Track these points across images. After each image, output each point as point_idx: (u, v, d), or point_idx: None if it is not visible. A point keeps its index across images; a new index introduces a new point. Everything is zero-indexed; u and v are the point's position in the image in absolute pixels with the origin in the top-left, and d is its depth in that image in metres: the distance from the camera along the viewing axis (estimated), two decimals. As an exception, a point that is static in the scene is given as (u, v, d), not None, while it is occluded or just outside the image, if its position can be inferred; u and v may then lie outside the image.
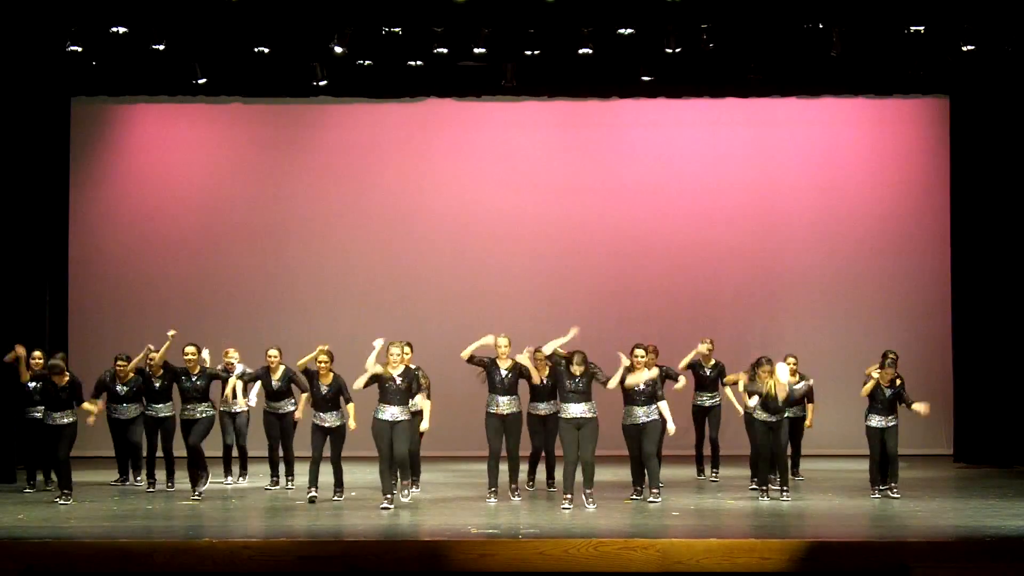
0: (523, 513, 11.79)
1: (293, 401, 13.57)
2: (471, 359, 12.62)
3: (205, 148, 17.81)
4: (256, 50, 14.85)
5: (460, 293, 17.45)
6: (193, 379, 12.97)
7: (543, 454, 13.48)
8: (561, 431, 12.24)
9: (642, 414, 12.48)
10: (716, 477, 14.25)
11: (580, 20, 14.57)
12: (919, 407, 12.70)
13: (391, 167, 17.67)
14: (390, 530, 10.90)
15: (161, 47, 14.56)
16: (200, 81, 15.76)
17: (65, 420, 12.67)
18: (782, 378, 12.63)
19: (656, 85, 16.24)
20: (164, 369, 13.14)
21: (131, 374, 13.55)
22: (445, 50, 14.97)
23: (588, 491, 12.05)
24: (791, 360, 13.40)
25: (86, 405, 12.89)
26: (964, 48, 14.56)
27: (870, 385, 12.74)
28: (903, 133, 17.78)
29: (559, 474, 13.24)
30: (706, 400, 14.27)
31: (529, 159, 17.73)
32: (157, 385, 13.24)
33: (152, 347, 13.17)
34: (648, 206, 17.65)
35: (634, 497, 12.58)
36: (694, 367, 14.14)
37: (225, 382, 13.59)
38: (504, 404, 12.78)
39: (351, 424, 12.53)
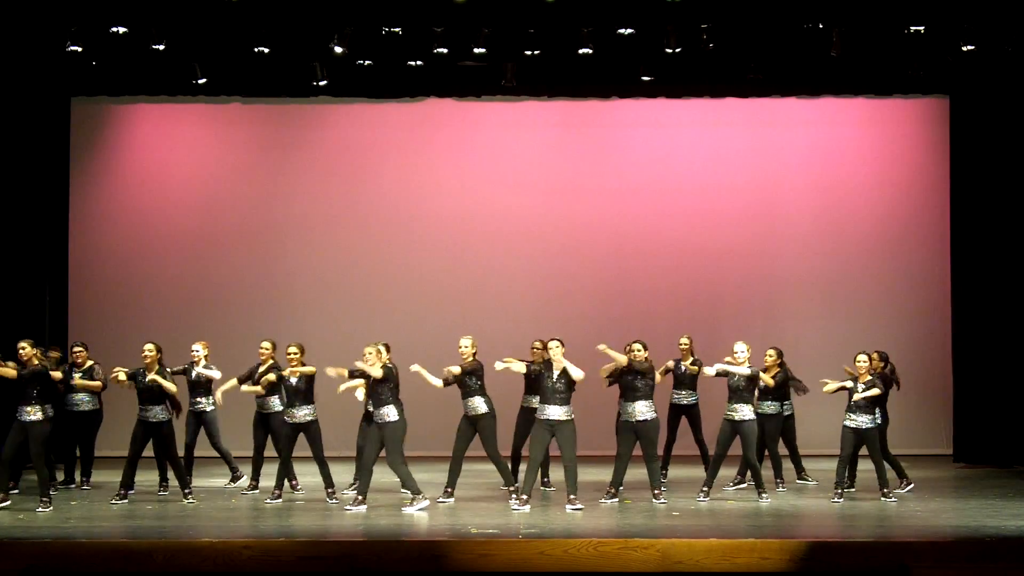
0: (523, 513, 11.78)
1: (280, 400, 13.22)
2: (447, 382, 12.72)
3: (205, 148, 17.80)
4: (256, 50, 14.84)
5: (460, 293, 17.45)
6: (146, 380, 12.60)
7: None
8: (533, 430, 12.25)
9: (638, 411, 12.42)
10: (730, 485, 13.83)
11: (580, 20, 14.57)
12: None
13: (391, 167, 17.67)
14: (390, 530, 10.90)
15: (161, 47, 14.56)
16: (200, 81, 15.76)
17: (32, 417, 12.12)
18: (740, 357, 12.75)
19: (656, 85, 16.23)
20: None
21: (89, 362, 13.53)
22: (445, 50, 14.96)
23: (572, 496, 11.99)
24: (861, 358, 13.07)
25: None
26: (964, 48, 14.56)
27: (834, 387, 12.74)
28: (903, 133, 17.77)
29: (554, 474, 13.24)
30: (683, 399, 14.04)
31: (529, 159, 17.73)
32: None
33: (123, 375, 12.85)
34: (648, 206, 17.64)
35: (604, 500, 12.46)
36: (676, 368, 13.99)
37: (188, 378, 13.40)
38: (470, 407, 12.76)
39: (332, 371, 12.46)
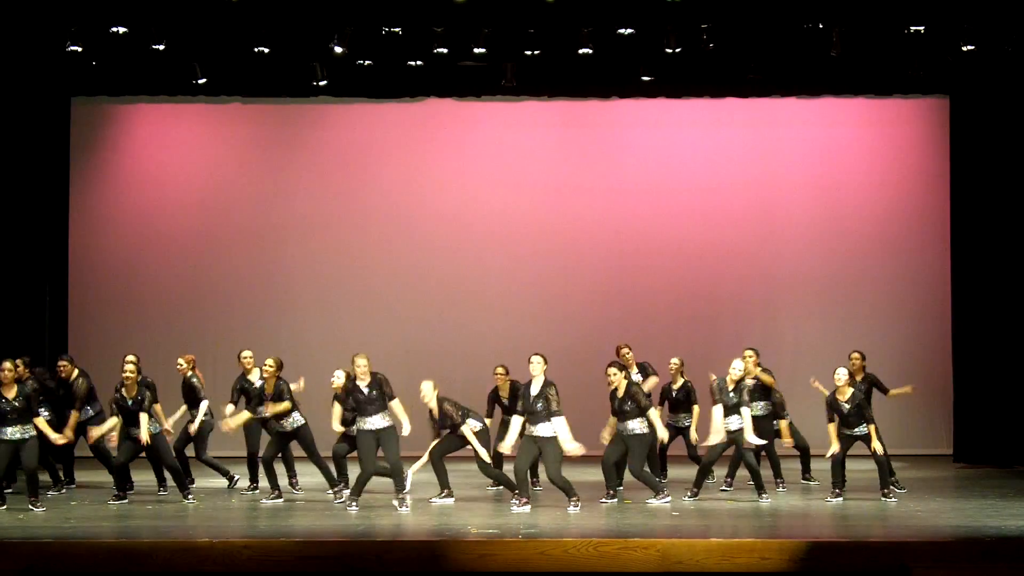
0: (523, 513, 11.77)
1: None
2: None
3: (205, 148, 17.81)
4: (256, 50, 14.85)
5: (460, 293, 17.45)
6: (129, 402, 12.41)
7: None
8: (521, 444, 12.13)
9: (625, 428, 12.23)
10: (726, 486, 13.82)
11: (580, 20, 14.58)
12: (900, 391, 12.84)
13: (391, 167, 17.68)
14: (390, 530, 10.90)
15: (161, 47, 14.57)
16: (200, 81, 15.77)
17: (18, 436, 11.89)
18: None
19: (656, 85, 16.24)
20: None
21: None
22: (445, 50, 14.97)
23: (573, 498, 11.95)
24: (850, 356, 13.09)
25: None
26: (964, 48, 14.57)
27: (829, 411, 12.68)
28: (903, 133, 17.79)
29: (543, 473, 13.20)
30: (680, 421, 13.76)
31: (529, 159, 17.74)
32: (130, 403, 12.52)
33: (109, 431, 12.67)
34: (648, 206, 17.65)
35: (603, 501, 12.43)
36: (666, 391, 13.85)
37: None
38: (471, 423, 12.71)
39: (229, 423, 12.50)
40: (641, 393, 12.29)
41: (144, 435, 12.32)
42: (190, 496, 12.65)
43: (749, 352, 13.32)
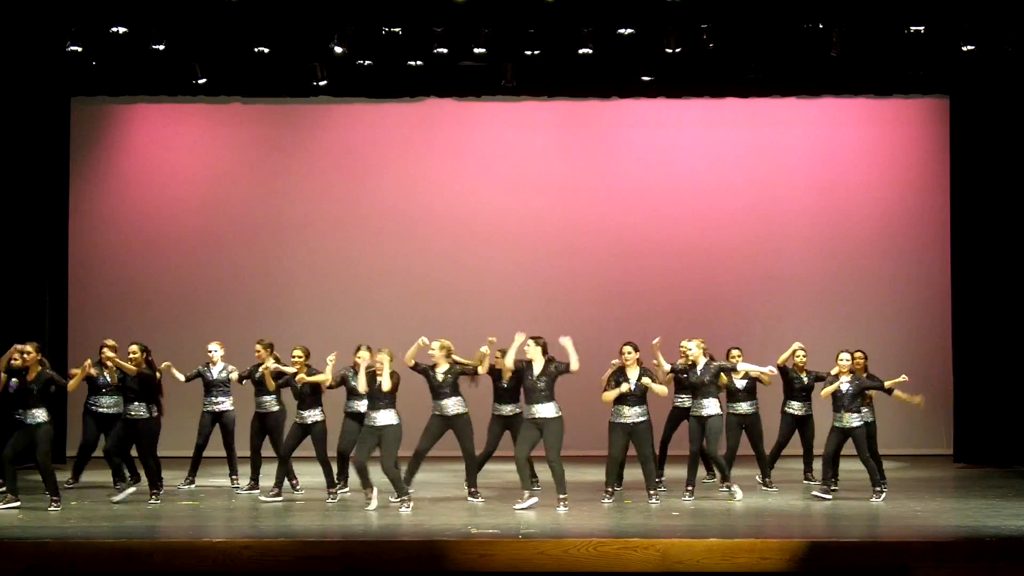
0: (523, 513, 11.78)
1: (277, 400, 13.33)
2: (415, 366, 12.49)
3: (205, 148, 17.81)
4: (256, 50, 14.85)
5: (460, 293, 17.44)
6: (133, 376, 12.67)
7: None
8: (522, 430, 12.21)
9: (632, 414, 12.40)
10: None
11: (580, 20, 14.58)
12: (902, 396, 12.95)
13: (391, 167, 17.68)
14: (390, 530, 10.91)
15: (161, 47, 14.56)
16: (200, 81, 15.76)
17: (34, 420, 12.08)
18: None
19: (656, 85, 16.23)
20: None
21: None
22: (445, 50, 14.96)
23: (561, 496, 11.95)
24: (853, 353, 13.20)
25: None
26: (964, 48, 14.56)
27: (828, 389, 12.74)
28: (903, 133, 17.78)
29: (543, 473, 13.22)
30: (686, 403, 13.66)
31: (529, 159, 17.74)
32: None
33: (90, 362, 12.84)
34: (648, 206, 17.65)
35: (605, 500, 12.41)
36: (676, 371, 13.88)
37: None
38: (450, 406, 12.64)
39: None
40: (652, 371, 12.46)
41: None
42: (155, 498, 12.58)
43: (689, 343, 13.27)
